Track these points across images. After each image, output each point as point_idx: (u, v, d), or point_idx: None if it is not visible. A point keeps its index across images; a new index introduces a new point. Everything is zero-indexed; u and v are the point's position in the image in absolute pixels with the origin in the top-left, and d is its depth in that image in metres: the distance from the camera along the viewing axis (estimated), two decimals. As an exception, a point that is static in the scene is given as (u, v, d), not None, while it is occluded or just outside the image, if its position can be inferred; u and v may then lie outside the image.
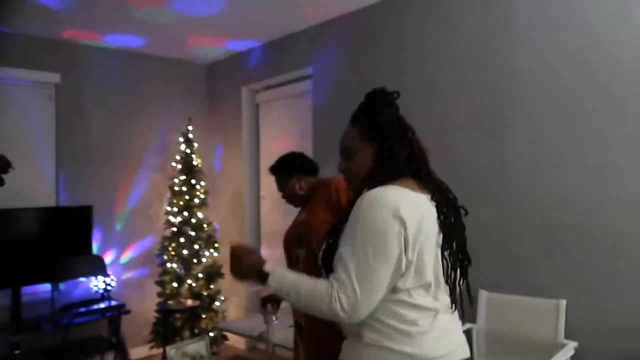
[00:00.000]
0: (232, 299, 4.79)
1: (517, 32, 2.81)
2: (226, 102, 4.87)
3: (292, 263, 2.24)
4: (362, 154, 1.42)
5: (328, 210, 2.05)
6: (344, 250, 1.29)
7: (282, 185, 2.31)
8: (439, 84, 3.14)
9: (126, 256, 4.47)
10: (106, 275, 3.90)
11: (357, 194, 1.39)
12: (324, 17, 3.76)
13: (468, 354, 1.41)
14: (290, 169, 2.30)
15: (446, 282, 1.34)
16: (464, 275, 1.40)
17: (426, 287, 1.31)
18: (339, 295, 1.24)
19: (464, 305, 1.41)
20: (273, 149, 4.59)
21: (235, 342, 4.36)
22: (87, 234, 3.98)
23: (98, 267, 3.82)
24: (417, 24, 3.28)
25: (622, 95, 2.45)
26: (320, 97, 3.92)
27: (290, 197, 2.29)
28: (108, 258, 4.23)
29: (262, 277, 1.36)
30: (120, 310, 3.84)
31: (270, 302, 2.56)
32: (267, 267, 1.36)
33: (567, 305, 2.59)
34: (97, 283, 4.00)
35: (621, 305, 2.44)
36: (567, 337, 2.56)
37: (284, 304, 2.43)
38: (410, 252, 1.27)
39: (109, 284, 3.98)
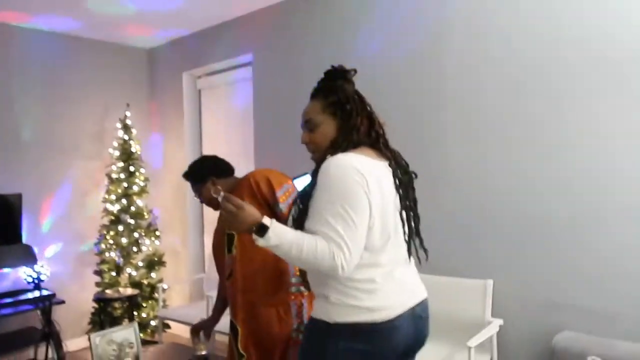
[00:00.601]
0: (175, 288, 4.72)
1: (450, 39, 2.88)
2: (167, 88, 4.75)
3: (225, 265, 2.21)
4: (325, 127, 1.52)
5: (255, 203, 2.03)
6: (326, 214, 1.35)
7: (197, 191, 2.29)
8: (379, 73, 3.18)
9: (60, 245, 4.30)
10: (35, 265, 3.75)
11: (320, 162, 1.45)
12: (264, 3, 3.73)
13: (424, 295, 1.57)
14: (203, 174, 2.26)
15: (404, 238, 1.50)
16: (418, 231, 1.57)
17: (384, 244, 1.43)
18: (338, 254, 1.31)
19: (422, 257, 1.58)
20: (216, 135, 4.53)
21: (178, 330, 4.30)
22: (16, 222, 3.80)
23: (27, 257, 3.66)
24: (352, 14, 3.30)
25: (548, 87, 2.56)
26: (261, 84, 3.89)
27: (207, 201, 2.25)
28: (40, 247, 4.06)
29: (259, 230, 1.34)
30: (52, 300, 3.70)
31: (199, 331, 2.46)
32: (266, 220, 1.35)
33: (493, 285, 2.71)
34: (27, 273, 3.84)
35: (541, 283, 2.57)
36: (493, 315, 2.68)
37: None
38: (374, 210, 1.38)
39: (40, 274, 3.83)
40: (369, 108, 1.56)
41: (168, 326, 4.30)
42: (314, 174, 1.45)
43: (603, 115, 2.38)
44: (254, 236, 1.36)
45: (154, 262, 4.41)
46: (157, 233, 4.47)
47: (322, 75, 1.59)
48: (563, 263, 2.50)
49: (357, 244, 1.35)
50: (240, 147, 4.19)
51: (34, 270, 3.81)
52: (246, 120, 4.08)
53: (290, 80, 3.64)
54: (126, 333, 2.33)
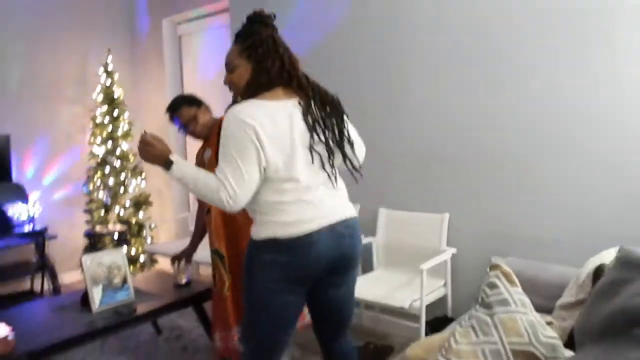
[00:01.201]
0: (161, 226, 4.99)
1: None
2: (148, 34, 4.82)
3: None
4: (241, 69, 1.67)
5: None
6: (220, 159, 1.59)
7: (188, 118, 2.47)
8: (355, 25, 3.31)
9: (47, 186, 4.50)
10: (26, 202, 3.97)
11: (235, 104, 1.64)
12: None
13: (348, 215, 1.74)
14: (196, 100, 2.51)
15: (321, 166, 1.67)
16: (345, 155, 1.73)
17: (290, 174, 1.62)
18: (223, 192, 1.54)
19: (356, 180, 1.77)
20: (195, 82, 4.65)
21: (166, 265, 4.59)
22: (5, 162, 3.98)
23: (18, 195, 3.88)
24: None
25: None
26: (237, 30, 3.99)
27: (199, 128, 2.48)
28: (29, 187, 4.26)
29: (167, 164, 1.61)
30: (44, 234, 3.95)
31: (180, 260, 2.77)
32: (173, 157, 1.62)
33: (449, 218, 2.99)
34: (19, 210, 4.06)
35: (491, 215, 2.85)
36: (448, 245, 2.97)
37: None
38: (267, 153, 1.57)
39: (32, 211, 4.05)
40: (282, 51, 1.66)
41: (156, 261, 4.60)
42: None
43: (554, 51, 2.55)
44: (162, 169, 1.62)
45: (140, 202, 4.65)
46: (143, 175, 4.67)
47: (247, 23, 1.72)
48: (510, 196, 2.76)
49: (243, 184, 1.55)
50: (219, 93, 4.33)
51: (26, 207, 4.03)
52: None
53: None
54: (115, 257, 2.58)
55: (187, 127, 2.51)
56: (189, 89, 4.71)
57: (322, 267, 1.67)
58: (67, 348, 2.23)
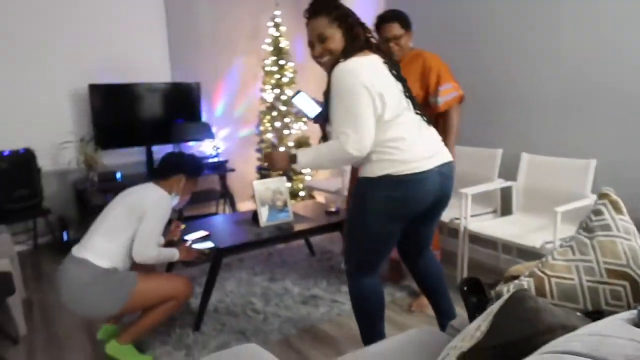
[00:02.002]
0: (319, 166, 5.54)
1: None
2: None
3: None
4: (335, 37, 1.89)
5: (417, 82, 2.64)
6: (335, 113, 1.84)
7: (398, 35, 2.64)
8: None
9: (229, 126, 5.32)
10: (213, 139, 4.79)
11: (331, 68, 1.87)
12: None
13: (450, 159, 2.00)
14: (410, 23, 2.69)
15: (415, 111, 1.94)
16: (415, 104, 1.97)
17: (399, 115, 1.87)
18: (348, 145, 1.79)
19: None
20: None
21: (320, 199, 5.16)
22: (197, 106, 4.83)
23: (206, 133, 4.70)
24: None
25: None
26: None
27: (402, 49, 2.66)
28: (214, 127, 5.11)
29: (292, 159, 1.94)
30: (225, 166, 4.75)
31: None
32: (293, 151, 1.96)
33: (596, 165, 2.91)
34: (207, 146, 4.93)
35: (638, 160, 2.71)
36: (593, 191, 2.91)
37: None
38: (378, 98, 1.81)
39: (216, 147, 4.89)
40: (359, 19, 1.93)
41: (313, 196, 5.19)
42: (329, 80, 1.87)
43: None
44: (293, 166, 1.90)
45: (302, 143, 5.23)
46: (304, 119, 5.22)
47: None
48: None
49: (364, 129, 1.78)
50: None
51: (213, 143, 4.87)
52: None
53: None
54: (279, 184, 3.11)
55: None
56: (346, 39, 5.04)
57: (427, 204, 1.93)
58: (243, 250, 2.85)
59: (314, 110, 2.17)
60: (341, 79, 1.80)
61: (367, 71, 1.82)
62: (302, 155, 1.91)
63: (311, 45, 1.96)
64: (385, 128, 1.85)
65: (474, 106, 3.39)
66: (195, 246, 2.62)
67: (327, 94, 1.88)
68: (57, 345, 2.63)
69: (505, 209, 3.33)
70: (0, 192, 3.81)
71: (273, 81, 5.07)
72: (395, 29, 2.64)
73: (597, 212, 1.48)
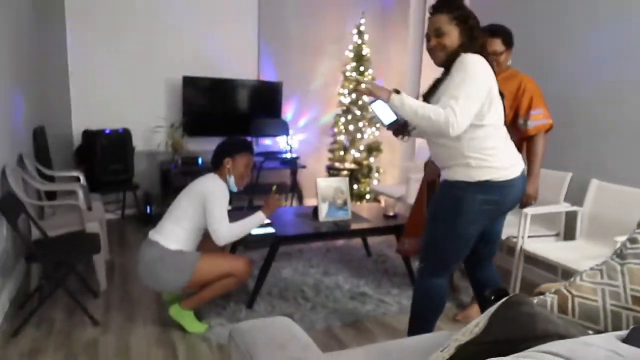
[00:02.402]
0: (389, 171, 5.65)
1: None
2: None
3: None
4: (451, 35, 1.98)
5: (510, 100, 2.66)
6: (452, 89, 1.86)
7: (498, 52, 2.65)
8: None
9: (306, 126, 5.57)
10: (288, 135, 5.06)
11: (444, 64, 1.99)
12: None
13: (524, 166, 2.11)
14: (512, 41, 2.71)
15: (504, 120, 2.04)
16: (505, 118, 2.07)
17: (499, 121, 2.00)
18: (451, 116, 1.82)
19: None
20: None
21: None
22: (278, 103, 5.13)
23: (283, 129, 4.98)
24: None
25: None
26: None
27: (499, 65, 2.66)
28: (292, 125, 5.38)
29: (396, 91, 1.99)
30: (297, 163, 5.00)
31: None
32: (396, 89, 2.01)
33: (671, 199, 2.79)
34: (282, 141, 5.21)
35: None
36: (664, 226, 2.79)
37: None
38: (488, 99, 1.92)
39: (291, 143, 5.15)
40: (478, 23, 1.99)
41: (378, 201, 5.31)
42: (447, 70, 1.96)
43: None
44: (392, 96, 1.90)
45: (372, 148, 5.37)
46: (378, 125, 5.35)
47: None
48: None
49: (468, 115, 1.85)
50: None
51: (288, 140, 5.14)
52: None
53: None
54: (341, 183, 3.28)
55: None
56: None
57: (512, 207, 2.08)
58: (299, 241, 3.05)
59: (389, 117, 2.23)
60: (474, 63, 1.88)
61: (490, 72, 1.93)
62: (406, 97, 1.91)
63: (428, 37, 2.04)
64: (486, 135, 1.95)
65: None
66: (254, 232, 2.86)
67: (432, 90, 2.02)
68: (129, 303, 2.99)
69: (569, 234, 3.27)
70: (99, 165, 4.31)
71: (351, 86, 5.25)
72: (497, 44, 2.67)
73: (633, 241, 1.50)
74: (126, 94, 4.71)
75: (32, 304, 2.80)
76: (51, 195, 3.68)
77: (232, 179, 2.74)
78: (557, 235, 3.29)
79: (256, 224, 2.67)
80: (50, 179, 3.70)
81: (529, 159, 2.70)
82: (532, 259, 3.11)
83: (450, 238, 2.09)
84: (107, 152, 4.35)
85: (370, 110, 2.32)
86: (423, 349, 1.52)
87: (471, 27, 1.98)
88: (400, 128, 2.10)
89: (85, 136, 4.39)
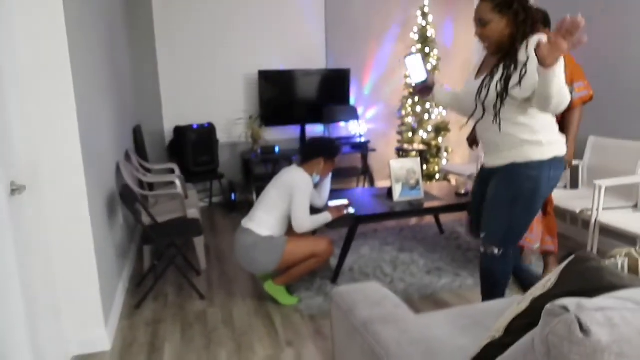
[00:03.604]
0: (457, 151, 5.73)
1: None
2: (462, -25, 5.35)
3: None
4: (494, 24, 1.96)
5: None
6: (563, 77, 1.81)
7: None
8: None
9: (374, 109, 5.75)
10: (358, 120, 5.27)
11: (494, 52, 2.04)
12: None
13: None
14: (549, 22, 2.81)
15: None
16: None
17: None
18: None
19: None
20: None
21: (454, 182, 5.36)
22: (346, 90, 5.35)
23: (353, 115, 5.20)
24: None
25: None
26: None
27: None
28: (360, 110, 5.58)
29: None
30: (367, 146, 5.21)
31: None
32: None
33: None
34: (352, 126, 5.43)
35: None
36: None
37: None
38: None
39: (360, 128, 5.36)
40: (528, 4, 1.91)
41: (448, 180, 5.41)
42: (503, 57, 1.99)
43: None
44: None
45: (441, 128, 5.46)
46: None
47: None
48: None
49: None
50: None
51: (358, 125, 5.35)
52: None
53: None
54: (413, 164, 3.46)
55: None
56: (493, 27, 5.11)
57: None
58: (376, 220, 3.28)
59: (420, 75, 2.21)
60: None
61: None
62: (559, 66, 1.73)
63: (475, 24, 2.03)
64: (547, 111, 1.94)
65: (617, 95, 3.36)
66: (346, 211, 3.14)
67: (494, 70, 2.02)
68: (227, 279, 3.36)
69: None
70: (189, 157, 4.75)
71: (417, 68, 5.35)
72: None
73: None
74: (209, 91, 5.11)
75: (147, 281, 3.23)
76: (149, 186, 4.14)
77: (317, 177, 3.04)
78: (635, 206, 3.30)
79: (325, 222, 2.97)
80: (149, 171, 4.16)
81: (566, 128, 2.84)
82: (609, 232, 3.15)
83: (528, 219, 2.13)
84: (195, 145, 4.77)
85: (405, 63, 2.35)
86: (501, 310, 1.71)
87: (516, 12, 1.92)
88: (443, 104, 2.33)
89: (176, 132, 4.84)
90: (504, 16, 1.94)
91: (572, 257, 1.23)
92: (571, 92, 2.79)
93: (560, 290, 1.25)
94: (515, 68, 1.97)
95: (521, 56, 1.96)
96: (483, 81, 2.08)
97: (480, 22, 1.99)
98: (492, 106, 2.04)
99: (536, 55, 1.72)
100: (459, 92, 2.35)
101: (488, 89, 2.04)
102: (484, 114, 2.14)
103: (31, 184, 2.06)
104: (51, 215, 2.26)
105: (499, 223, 2.16)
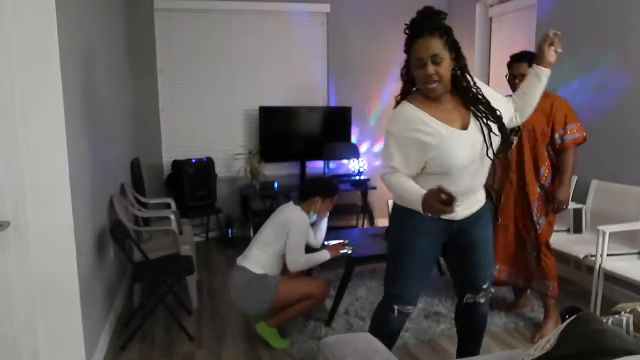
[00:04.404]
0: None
1: None
2: (463, 17, 5.41)
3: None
4: (447, 61, 1.82)
5: (544, 118, 2.80)
6: None
7: (525, 74, 2.60)
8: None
9: (376, 147, 5.72)
10: (359, 158, 5.23)
11: (442, 93, 1.86)
12: None
13: None
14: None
15: None
16: None
17: None
18: None
19: None
20: (503, 61, 5.00)
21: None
22: (348, 128, 5.34)
23: (354, 153, 5.16)
24: None
25: None
26: (544, 11, 4.17)
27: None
28: (363, 148, 5.55)
29: None
30: (368, 184, 5.15)
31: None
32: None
33: None
34: (353, 164, 5.39)
35: None
36: None
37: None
38: None
39: (362, 166, 5.32)
40: None
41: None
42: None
43: None
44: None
45: (442, 167, 5.41)
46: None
47: (420, 14, 1.87)
48: None
49: None
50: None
51: (358, 163, 5.32)
52: (531, 48, 4.43)
53: (577, 9, 3.83)
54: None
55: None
56: (495, 69, 5.13)
57: None
58: (373, 261, 3.19)
59: None
60: None
61: None
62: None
63: (420, 65, 1.83)
64: None
65: (622, 140, 3.31)
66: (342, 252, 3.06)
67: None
68: (219, 319, 3.25)
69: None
70: (186, 192, 4.70)
71: (419, 107, 5.35)
72: (523, 68, 2.79)
73: None
74: (209, 126, 5.12)
75: (135, 320, 3.13)
76: (145, 220, 4.08)
77: (314, 216, 2.99)
78: (639, 253, 3.20)
79: (322, 261, 2.90)
80: (145, 205, 4.11)
81: (561, 169, 2.86)
82: (614, 278, 3.05)
83: None
84: (194, 179, 4.74)
85: None
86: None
87: (461, 53, 1.89)
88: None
89: (174, 166, 4.81)
90: (451, 54, 1.85)
91: (574, 317, 1.16)
92: (564, 135, 2.83)
93: (560, 352, 1.17)
94: (487, 102, 1.90)
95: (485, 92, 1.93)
96: (482, 131, 1.90)
97: (434, 59, 1.80)
98: (492, 152, 1.91)
99: (542, 53, 1.94)
100: (430, 159, 1.92)
101: (490, 137, 1.89)
102: (478, 163, 1.95)
103: (16, 220, 2.00)
104: (35, 253, 2.19)
105: (493, 265, 2.22)
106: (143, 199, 4.13)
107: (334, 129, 5.33)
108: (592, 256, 3.07)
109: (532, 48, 4.33)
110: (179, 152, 5.00)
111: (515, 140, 2.75)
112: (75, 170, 2.31)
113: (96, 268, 2.74)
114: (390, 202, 3.38)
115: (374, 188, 5.28)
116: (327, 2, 5.34)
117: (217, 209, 4.87)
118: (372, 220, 5.30)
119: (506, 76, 2.98)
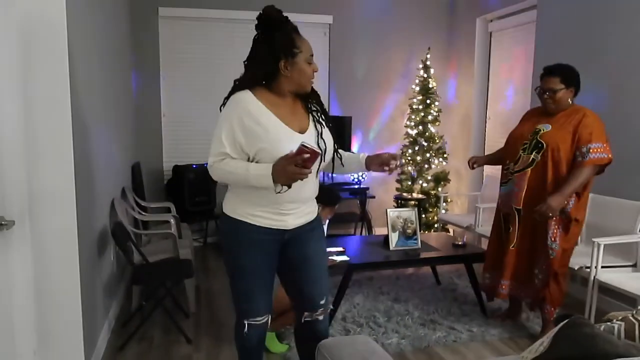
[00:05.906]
0: (456, 201, 5.71)
1: None
2: (463, 32, 5.49)
3: (515, 159, 2.93)
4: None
5: (568, 135, 2.75)
6: None
7: (555, 89, 2.77)
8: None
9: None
10: (358, 167, 5.27)
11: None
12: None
13: None
14: (575, 81, 2.81)
15: None
16: None
17: None
18: None
19: None
20: (501, 75, 5.09)
21: (456, 232, 5.32)
22: (348, 137, 5.38)
23: (353, 161, 5.19)
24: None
25: None
26: (544, 27, 4.24)
27: (556, 102, 2.79)
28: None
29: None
30: (366, 193, 5.19)
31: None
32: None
33: None
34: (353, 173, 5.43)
35: None
36: None
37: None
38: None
39: (361, 176, 5.36)
40: None
41: (447, 230, 5.37)
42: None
43: None
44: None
45: (440, 178, 5.47)
46: (445, 155, 5.46)
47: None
48: None
49: None
50: (520, 87, 4.69)
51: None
52: (529, 63, 4.51)
53: (578, 26, 3.91)
54: (410, 214, 3.44)
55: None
56: (494, 83, 5.20)
57: None
58: (371, 268, 3.22)
59: None
60: None
61: None
62: None
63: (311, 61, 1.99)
64: None
65: (618, 156, 3.34)
66: (331, 257, 3.08)
67: None
68: (216, 322, 3.28)
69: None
70: (186, 197, 4.73)
71: (418, 118, 5.42)
72: (554, 82, 2.78)
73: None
74: (210, 132, 5.13)
75: (134, 322, 3.15)
76: (145, 224, 4.11)
77: None
78: (634, 266, 3.25)
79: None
80: (144, 209, 4.14)
81: (567, 180, 2.74)
82: (608, 290, 3.09)
83: None
84: (193, 184, 4.77)
85: None
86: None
87: None
88: None
89: (175, 170, 4.85)
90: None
91: (566, 321, 1.20)
92: (585, 153, 2.73)
93: (552, 355, 1.21)
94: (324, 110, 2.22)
95: None
96: (317, 139, 2.04)
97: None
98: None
99: (378, 159, 2.06)
100: None
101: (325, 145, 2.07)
102: None
103: (20, 219, 2.03)
104: (38, 252, 2.22)
105: (327, 278, 2.18)
106: (143, 203, 4.16)
107: (334, 138, 5.36)
108: (586, 267, 3.12)
109: (530, 63, 4.43)
110: (180, 157, 5.04)
111: (538, 158, 2.79)
112: (79, 171, 2.35)
113: (96, 269, 2.77)
114: (390, 212, 3.44)
115: (373, 197, 5.32)
116: (329, 13, 5.42)
117: (216, 214, 4.90)
118: (369, 229, 5.34)
119: (536, 89, 2.93)
